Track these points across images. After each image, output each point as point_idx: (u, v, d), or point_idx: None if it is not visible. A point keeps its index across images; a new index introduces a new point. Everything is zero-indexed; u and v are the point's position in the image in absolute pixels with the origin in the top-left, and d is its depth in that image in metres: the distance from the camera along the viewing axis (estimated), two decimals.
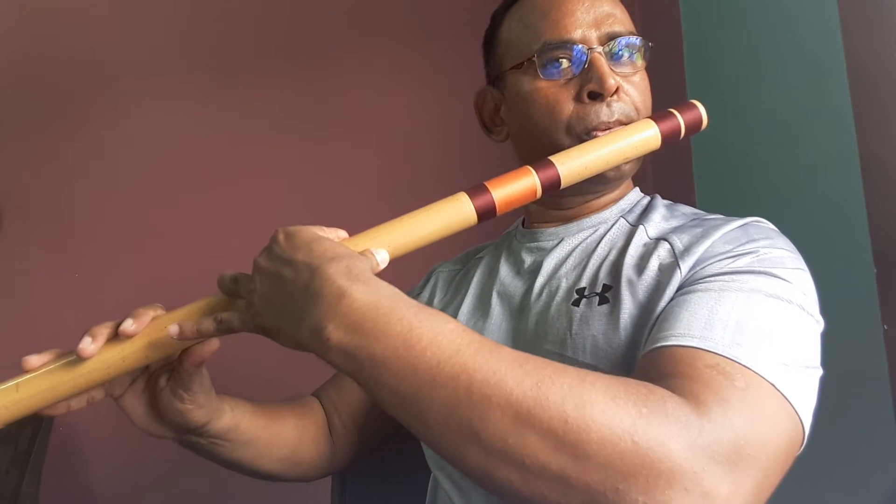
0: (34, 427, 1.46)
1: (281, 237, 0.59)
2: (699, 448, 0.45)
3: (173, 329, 0.60)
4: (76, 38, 1.72)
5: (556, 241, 0.78)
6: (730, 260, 0.62)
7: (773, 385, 0.51)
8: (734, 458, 0.46)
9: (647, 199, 0.81)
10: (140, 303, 0.68)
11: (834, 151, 1.10)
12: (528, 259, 0.79)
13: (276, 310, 0.55)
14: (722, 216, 0.72)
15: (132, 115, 1.72)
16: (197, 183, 1.72)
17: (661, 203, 0.78)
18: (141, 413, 0.68)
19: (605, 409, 0.45)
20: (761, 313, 0.56)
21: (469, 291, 0.83)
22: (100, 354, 0.61)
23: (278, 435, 0.77)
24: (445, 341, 0.48)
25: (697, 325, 0.55)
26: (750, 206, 1.32)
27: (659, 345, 0.56)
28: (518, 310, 0.76)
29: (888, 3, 1.01)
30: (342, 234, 0.63)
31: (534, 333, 0.72)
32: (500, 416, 0.46)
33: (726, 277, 0.60)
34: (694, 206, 0.80)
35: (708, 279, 0.61)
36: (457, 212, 0.65)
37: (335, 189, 1.77)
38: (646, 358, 0.57)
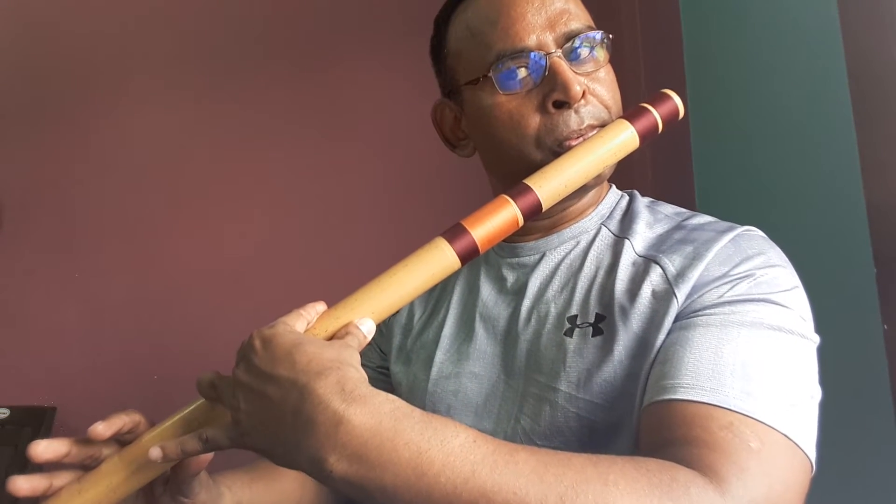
0: (34, 427, 1.46)
1: (258, 344, 0.54)
2: None
3: (155, 453, 0.55)
4: (77, 38, 1.72)
5: (537, 256, 0.74)
6: (727, 286, 0.60)
7: (786, 435, 0.51)
8: None
9: (626, 198, 0.77)
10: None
11: (834, 151, 1.10)
12: (510, 277, 0.76)
13: (266, 433, 0.51)
14: (708, 221, 0.70)
15: (133, 115, 1.72)
16: (197, 183, 1.72)
17: (641, 205, 0.75)
18: None
19: None
20: (765, 351, 0.56)
21: (450, 310, 0.79)
22: (87, 492, 0.57)
23: (281, 493, 0.75)
24: (458, 462, 0.46)
25: (704, 373, 0.54)
26: (750, 205, 1.32)
27: (667, 397, 0.55)
28: (504, 334, 0.73)
29: (888, 3, 1.01)
30: (321, 307, 0.60)
31: (525, 363, 0.69)
32: None
33: (726, 309, 0.59)
34: (694, 206, 0.79)
35: (707, 311, 0.60)
36: (437, 261, 0.61)
37: (336, 189, 1.77)
38: (655, 410, 0.55)
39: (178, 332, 1.62)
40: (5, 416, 1.34)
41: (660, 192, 0.83)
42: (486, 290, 0.77)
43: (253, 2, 1.79)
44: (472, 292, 0.79)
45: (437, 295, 0.85)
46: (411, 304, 0.87)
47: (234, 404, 0.54)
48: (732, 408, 0.52)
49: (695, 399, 0.53)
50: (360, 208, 1.77)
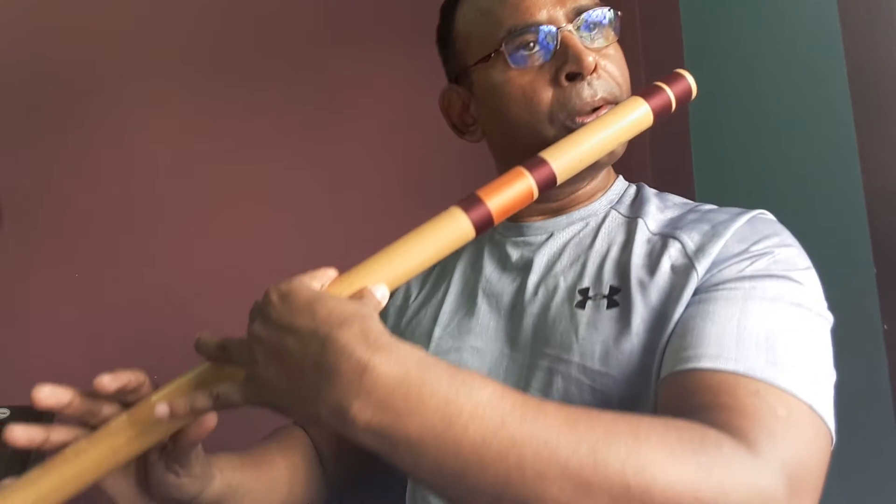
0: None
1: (275, 298, 0.52)
2: (758, 492, 0.45)
3: (161, 409, 0.53)
4: (77, 38, 1.72)
5: (545, 236, 0.74)
6: (747, 262, 0.61)
7: (810, 406, 0.51)
8: (789, 494, 0.46)
9: (633, 187, 0.78)
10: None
11: (834, 151, 1.10)
12: (514, 254, 0.75)
13: (284, 387, 0.50)
14: (717, 207, 0.71)
15: (132, 115, 1.72)
16: (197, 183, 1.72)
17: (650, 192, 0.76)
18: (127, 491, 0.61)
19: (665, 469, 0.44)
20: (788, 326, 0.56)
21: (451, 287, 0.79)
22: (88, 453, 0.55)
23: (272, 482, 0.73)
24: (488, 411, 0.45)
25: (729, 344, 0.54)
26: (749, 204, 1.31)
27: (691, 366, 0.54)
28: (509, 309, 0.73)
29: (888, 3, 1.01)
30: (332, 273, 0.58)
31: (532, 336, 0.69)
32: (558, 491, 0.43)
33: (747, 284, 0.59)
34: (693, 201, 0.79)
35: (728, 285, 0.60)
36: (453, 229, 0.59)
37: (336, 188, 1.77)
38: (677, 379, 0.55)
39: (178, 332, 1.61)
40: (5, 416, 1.33)
41: (659, 185, 0.83)
42: (490, 268, 0.77)
43: (250, 3, 1.79)
44: (475, 270, 0.78)
45: (435, 276, 0.84)
46: (407, 285, 0.85)
47: (250, 359, 0.52)
48: (759, 377, 0.52)
49: (721, 368, 0.53)
50: (360, 207, 1.77)
